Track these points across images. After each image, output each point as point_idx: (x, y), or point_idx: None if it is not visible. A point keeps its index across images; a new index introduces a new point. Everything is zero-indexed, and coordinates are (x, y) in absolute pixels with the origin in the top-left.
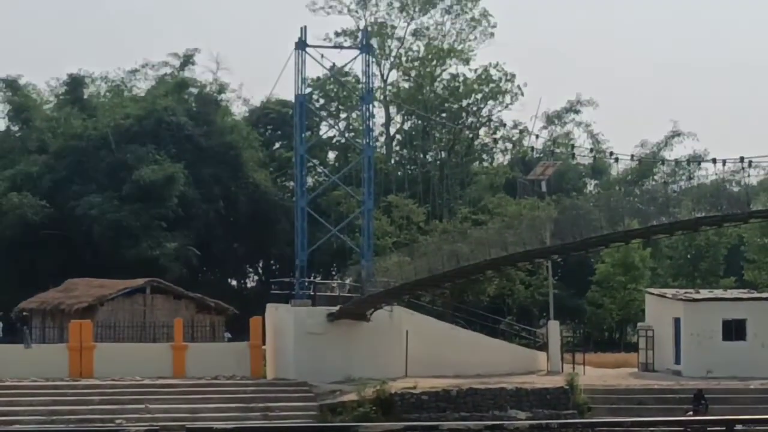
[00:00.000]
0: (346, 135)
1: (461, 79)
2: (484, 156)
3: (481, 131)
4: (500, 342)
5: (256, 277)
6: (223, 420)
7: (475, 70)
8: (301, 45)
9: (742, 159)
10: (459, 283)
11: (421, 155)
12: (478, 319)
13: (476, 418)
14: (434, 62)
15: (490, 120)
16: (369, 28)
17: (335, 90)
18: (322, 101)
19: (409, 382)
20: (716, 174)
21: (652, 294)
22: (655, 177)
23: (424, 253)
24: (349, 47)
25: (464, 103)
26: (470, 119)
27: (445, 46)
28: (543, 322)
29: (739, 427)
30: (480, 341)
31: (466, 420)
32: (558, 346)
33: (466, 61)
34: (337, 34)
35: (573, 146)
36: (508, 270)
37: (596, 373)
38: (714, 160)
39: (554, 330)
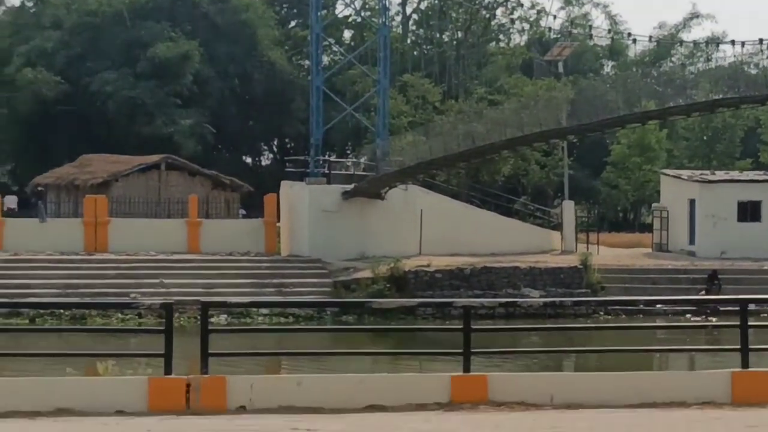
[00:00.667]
0: (362, 14)
1: None
2: (501, 36)
3: (498, 11)
4: (514, 221)
5: (270, 155)
6: (238, 296)
7: None
8: None
9: (760, 41)
10: (474, 162)
11: (438, 35)
12: (493, 198)
13: (490, 296)
14: None
15: (507, 0)
16: None
17: None
18: None
19: (423, 260)
20: (734, 56)
21: (668, 175)
22: (673, 59)
23: (440, 132)
24: None
25: None
26: None
27: None
28: (557, 203)
29: (752, 306)
30: (494, 221)
31: (479, 298)
32: (572, 226)
33: None
34: None
35: (590, 27)
36: (524, 150)
37: (610, 253)
38: (732, 42)
39: (569, 210)
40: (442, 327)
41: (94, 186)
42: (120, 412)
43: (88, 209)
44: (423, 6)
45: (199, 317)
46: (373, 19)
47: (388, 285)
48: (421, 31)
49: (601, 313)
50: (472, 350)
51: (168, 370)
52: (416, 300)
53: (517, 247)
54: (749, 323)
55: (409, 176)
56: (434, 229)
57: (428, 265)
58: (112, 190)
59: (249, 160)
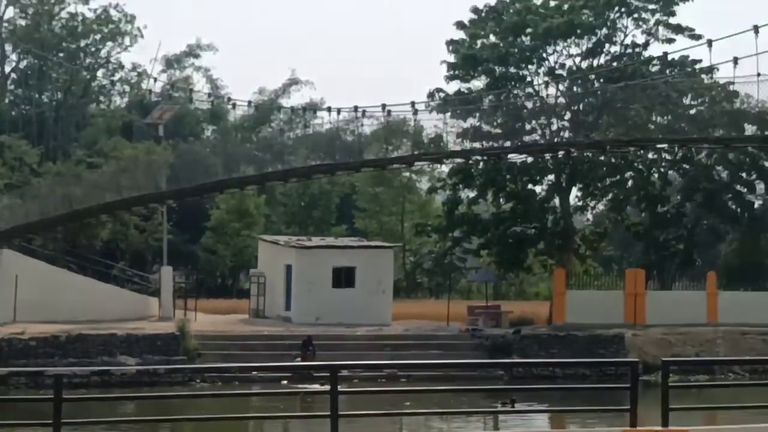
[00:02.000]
0: None
1: (80, 18)
2: (102, 98)
3: (99, 72)
4: (112, 287)
5: None
6: None
7: (95, 10)
8: None
9: (356, 108)
10: (72, 226)
11: (37, 95)
12: (91, 263)
13: (85, 364)
14: (52, 0)
15: (108, 61)
16: None
17: None
18: None
19: (18, 328)
20: (331, 122)
21: (265, 240)
22: (272, 124)
23: (37, 195)
24: None
25: (83, 43)
26: (88, 60)
27: None
28: (156, 268)
29: (344, 372)
30: (92, 286)
31: (74, 366)
32: (170, 292)
33: (86, 1)
34: None
35: (191, 90)
36: (123, 214)
37: (208, 319)
38: (329, 109)
39: (167, 276)
40: (33, 397)
41: None
42: None
43: None
44: (22, 65)
45: None
46: None
47: None
48: (20, 90)
49: (198, 380)
50: (63, 421)
51: None
52: (6, 369)
53: (115, 314)
54: (340, 389)
55: (3, 240)
56: (30, 296)
57: (22, 333)
58: None
59: None
